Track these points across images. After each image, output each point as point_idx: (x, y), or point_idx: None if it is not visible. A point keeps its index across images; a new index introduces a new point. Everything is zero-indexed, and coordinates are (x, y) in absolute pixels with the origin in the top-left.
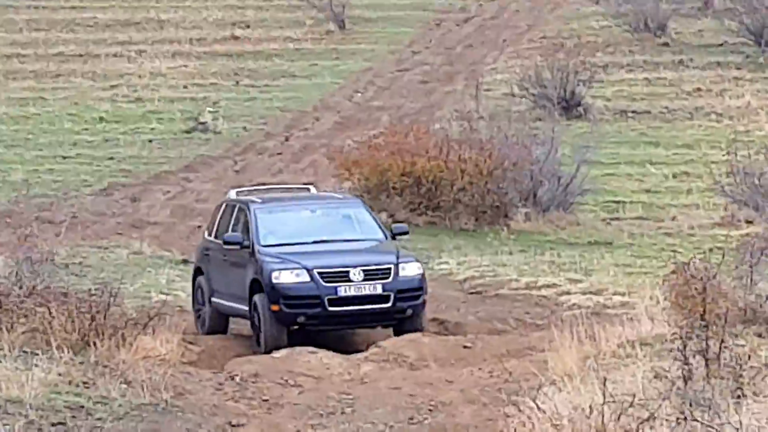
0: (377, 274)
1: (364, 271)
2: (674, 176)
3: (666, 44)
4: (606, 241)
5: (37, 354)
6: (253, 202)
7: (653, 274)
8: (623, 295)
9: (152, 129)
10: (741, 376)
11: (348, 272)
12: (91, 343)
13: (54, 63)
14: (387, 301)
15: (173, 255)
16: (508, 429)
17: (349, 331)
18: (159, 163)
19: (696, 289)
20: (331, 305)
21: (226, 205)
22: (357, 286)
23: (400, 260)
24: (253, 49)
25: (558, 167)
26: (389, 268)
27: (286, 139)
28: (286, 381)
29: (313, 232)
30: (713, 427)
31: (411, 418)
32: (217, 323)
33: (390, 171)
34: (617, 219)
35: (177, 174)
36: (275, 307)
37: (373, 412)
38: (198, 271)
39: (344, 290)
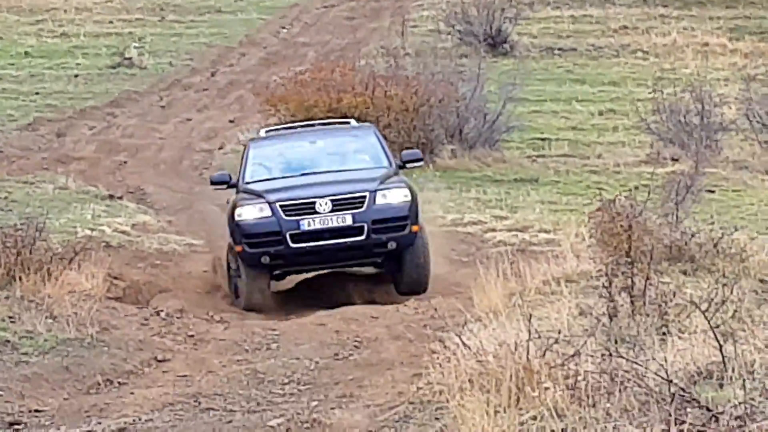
0: (347, 204)
1: (332, 201)
2: (600, 114)
3: None
4: (532, 178)
5: None
6: (255, 138)
7: (579, 211)
8: (549, 232)
9: (78, 64)
10: (666, 313)
11: (314, 203)
12: (17, 278)
13: None
14: (360, 234)
15: (99, 190)
16: (434, 365)
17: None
18: (84, 99)
19: (621, 226)
20: (293, 241)
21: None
22: (323, 219)
23: (380, 187)
24: None
25: (484, 104)
26: (363, 197)
27: (212, 75)
28: (212, 317)
29: (306, 165)
30: (638, 364)
31: (336, 354)
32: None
33: (316, 107)
34: (543, 156)
35: (102, 109)
36: (239, 248)
37: (298, 347)
38: None
39: (308, 223)
